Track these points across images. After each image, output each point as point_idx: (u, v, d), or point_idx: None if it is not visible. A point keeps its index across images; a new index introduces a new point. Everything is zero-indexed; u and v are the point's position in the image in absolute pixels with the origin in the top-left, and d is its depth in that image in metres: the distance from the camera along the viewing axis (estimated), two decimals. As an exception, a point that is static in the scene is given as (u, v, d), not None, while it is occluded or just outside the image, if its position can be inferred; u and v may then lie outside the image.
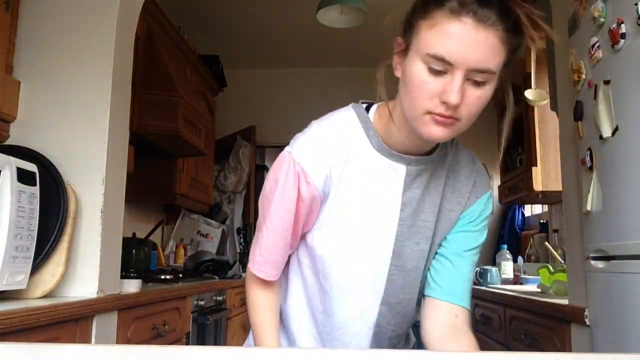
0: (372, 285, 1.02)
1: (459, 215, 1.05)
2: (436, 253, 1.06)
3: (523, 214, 4.22)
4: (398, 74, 0.92)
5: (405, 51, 0.89)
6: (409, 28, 0.88)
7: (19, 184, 1.35)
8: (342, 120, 1.00)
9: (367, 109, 1.02)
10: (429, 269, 1.06)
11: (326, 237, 1.00)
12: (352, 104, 1.03)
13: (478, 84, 0.84)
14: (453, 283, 1.05)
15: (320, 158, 0.97)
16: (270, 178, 1.03)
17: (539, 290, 2.33)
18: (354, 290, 1.02)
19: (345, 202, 0.98)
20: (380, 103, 1.01)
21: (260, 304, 1.06)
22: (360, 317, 1.04)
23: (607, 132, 1.37)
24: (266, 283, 1.06)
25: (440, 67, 0.82)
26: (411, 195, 0.99)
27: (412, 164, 0.97)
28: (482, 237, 1.08)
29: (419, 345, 1.13)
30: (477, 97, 0.85)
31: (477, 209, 1.06)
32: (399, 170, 0.97)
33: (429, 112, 0.85)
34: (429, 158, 0.99)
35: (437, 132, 0.86)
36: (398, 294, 1.04)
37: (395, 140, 0.97)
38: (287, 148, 1.01)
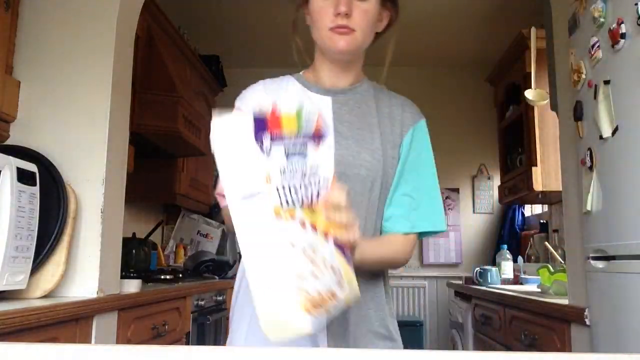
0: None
1: (400, 140, 1.12)
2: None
3: (523, 214, 4.22)
4: (308, 21, 1.16)
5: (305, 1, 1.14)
6: None
7: (19, 184, 1.35)
8: (278, 77, 1.22)
9: None
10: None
11: None
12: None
13: None
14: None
15: (249, 98, 1.18)
16: None
17: (539, 290, 2.33)
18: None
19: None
20: None
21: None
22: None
23: (607, 132, 1.37)
24: None
25: None
26: (343, 118, 1.11)
27: (337, 95, 1.13)
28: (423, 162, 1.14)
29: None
30: (364, 9, 1.07)
31: (414, 139, 1.14)
32: (326, 101, 1.12)
33: (330, 29, 1.07)
34: (352, 89, 1.15)
35: (340, 42, 1.07)
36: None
37: (321, 77, 1.15)
38: None
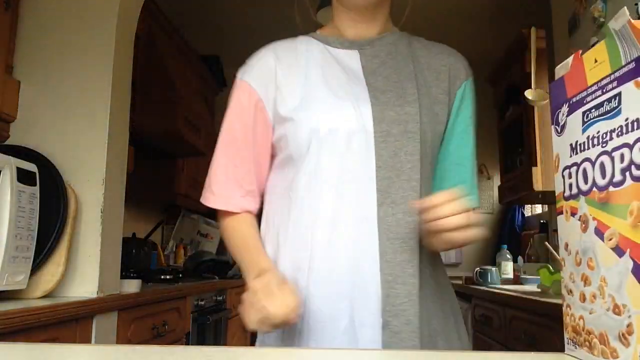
0: (360, 165, 0.90)
1: (447, 96, 0.99)
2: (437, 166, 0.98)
3: (523, 214, 4.22)
4: None
5: None
6: None
7: (19, 184, 1.35)
8: (289, 40, 1.06)
9: None
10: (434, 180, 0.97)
11: (305, 123, 0.92)
12: None
13: None
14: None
15: (259, 65, 1.01)
16: None
17: (539, 290, 2.33)
18: (344, 175, 0.89)
19: (309, 89, 0.95)
20: None
21: (231, 231, 1.02)
22: (360, 218, 0.88)
23: (607, 132, 1.36)
24: (230, 214, 1.02)
25: None
26: (376, 72, 0.97)
27: (364, 47, 1.00)
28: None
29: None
30: None
31: (466, 95, 1.02)
32: (352, 55, 0.99)
33: None
34: (381, 39, 1.01)
35: None
36: (393, 162, 0.89)
37: (343, 31, 1.02)
38: None
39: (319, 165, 0.90)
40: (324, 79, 0.95)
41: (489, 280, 3.04)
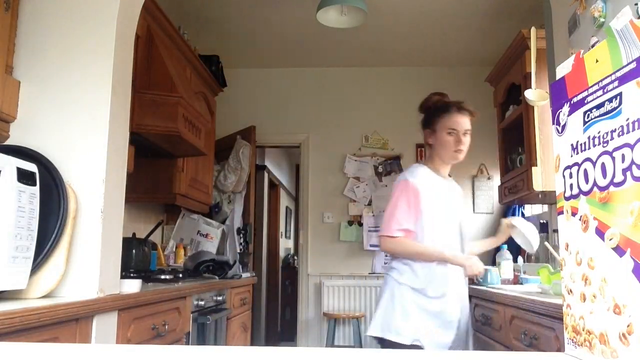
0: (455, 239, 2.21)
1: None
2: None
3: (523, 214, 4.22)
4: (430, 141, 2.26)
5: (433, 132, 2.25)
6: (429, 123, 2.28)
7: (19, 184, 1.35)
8: (419, 167, 2.28)
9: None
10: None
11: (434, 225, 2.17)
12: (415, 164, 2.33)
13: (465, 134, 2.21)
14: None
15: (420, 181, 2.19)
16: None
17: (539, 290, 2.33)
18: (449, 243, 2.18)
19: (436, 203, 2.18)
20: (420, 162, 2.34)
21: (410, 242, 2.13)
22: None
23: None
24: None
25: (453, 131, 2.21)
26: (454, 194, 2.28)
27: (448, 181, 2.25)
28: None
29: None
30: (467, 140, 2.21)
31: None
32: (448, 184, 2.24)
33: (454, 151, 2.20)
34: (450, 179, 2.31)
35: (459, 157, 2.22)
36: (459, 242, 2.23)
37: (439, 170, 2.26)
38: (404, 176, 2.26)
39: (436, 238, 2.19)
40: (441, 202, 2.21)
41: (489, 280, 3.04)
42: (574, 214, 0.58)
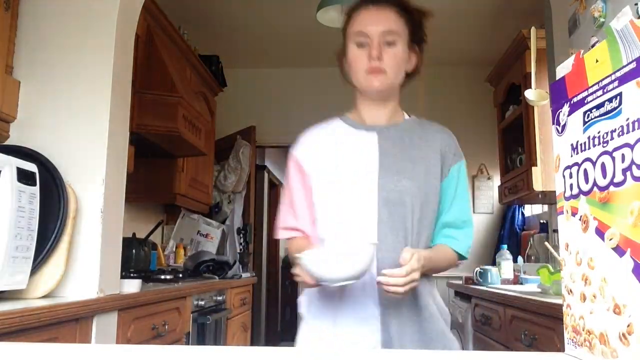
0: (364, 220, 1.24)
1: (442, 172, 1.30)
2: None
3: (523, 214, 4.22)
4: (346, 68, 1.32)
5: (343, 51, 1.33)
6: (343, 38, 1.33)
7: (19, 184, 1.35)
8: (326, 122, 1.39)
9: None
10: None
11: (331, 189, 1.29)
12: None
13: (389, 44, 1.25)
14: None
15: (306, 144, 1.36)
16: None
17: (539, 290, 2.33)
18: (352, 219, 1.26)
19: (342, 167, 1.30)
20: None
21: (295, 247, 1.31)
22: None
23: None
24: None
25: (362, 39, 1.25)
26: (387, 151, 1.28)
27: (382, 131, 1.30)
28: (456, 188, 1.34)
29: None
30: (393, 53, 1.25)
31: (454, 176, 1.32)
32: (371, 137, 1.30)
33: (366, 72, 1.25)
34: (395, 125, 1.32)
35: (373, 81, 1.25)
36: (389, 221, 1.24)
37: (363, 116, 1.33)
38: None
39: (340, 219, 1.28)
40: (341, 161, 1.29)
41: (489, 280, 3.04)
42: (574, 214, 0.58)
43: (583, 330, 0.56)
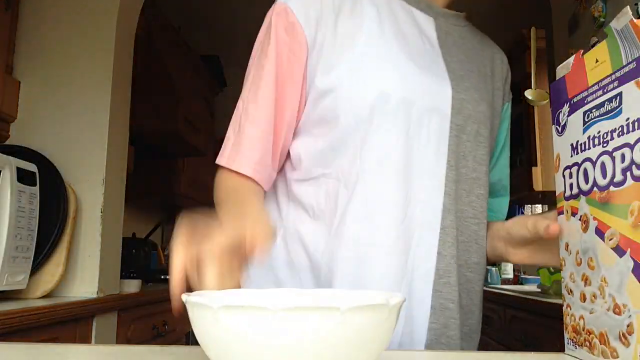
0: (432, 153, 0.74)
1: (501, 105, 0.88)
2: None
3: (523, 214, 4.21)
4: None
5: None
6: None
7: (19, 184, 1.35)
8: None
9: None
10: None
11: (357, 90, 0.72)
12: None
13: None
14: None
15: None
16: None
17: (539, 290, 2.33)
18: (412, 166, 0.73)
19: (371, 46, 0.74)
20: None
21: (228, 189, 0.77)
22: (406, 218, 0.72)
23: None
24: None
25: None
26: (451, 52, 0.80)
27: (439, 17, 0.83)
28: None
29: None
30: None
31: (507, 116, 0.91)
32: (427, 23, 0.81)
33: None
34: (456, 16, 0.86)
35: None
36: (460, 166, 0.76)
37: None
38: None
39: (383, 148, 0.72)
40: (396, 35, 0.76)
41: (489, 280, 3.04)
42: (574, 214, 0.58)
43: (583, 330, 0.56)
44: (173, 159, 3.29)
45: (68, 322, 1.47)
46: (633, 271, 0.47)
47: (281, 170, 0.82)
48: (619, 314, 0.49)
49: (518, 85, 3.32)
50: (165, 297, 2.43)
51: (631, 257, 0.48)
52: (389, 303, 0.42)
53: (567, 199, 0.59)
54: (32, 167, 1.44)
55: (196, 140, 3.05)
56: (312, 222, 0.75)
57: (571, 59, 0.60)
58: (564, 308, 0.61)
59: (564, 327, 0.61)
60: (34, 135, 1.70)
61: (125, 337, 1.79)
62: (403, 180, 0.72)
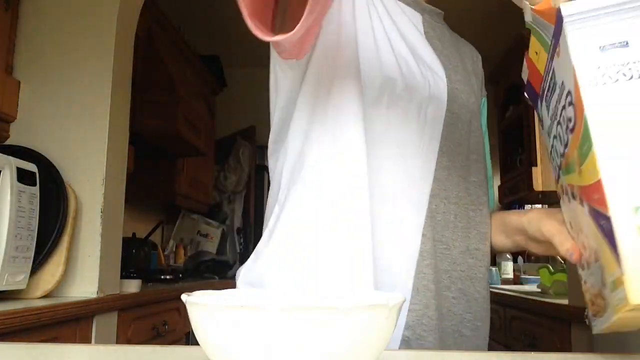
0: (428, 138, 0.75)
1: (478, 103, 0.88)
2: None
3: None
4: None
5: None
6: None
7: (19, 184, 1.35)
8: None
9: None
10: None
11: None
12: None
13: None
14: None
15: None
16: None
17: (539, 290, 2.33)
18: (406, 149, 0.74)
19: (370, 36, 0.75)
20: None
21: None
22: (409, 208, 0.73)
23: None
24: None
25: None
26: (436, 46, 0.82)
27: (425, 14, 0.85)
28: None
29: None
30: None
31: (482, 112, 0.91)
32: (415, 18, 0.83)
33: None
34: (438, 14, 0.88)
35: None
36: (454, 153, 0.77)
37: None
38: None
39: (388, 129, 0.73)
40: (392, 28, 0.78)
41: (489, 280, 3.04)
42: (565, 193, 0.59)
43: (591, 295, 0.56)
44: (173, 159, 3.29)
45: (68, 322, 1.47)
46: (590, 214, 0.48)
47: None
48: (603, 267, 0.49)
49: (518, 85, 3.32)
50: (165, 297, 2.43)
51: (585, 201, 0.49)
52: (389, 303, 0.42)
53: (556, 181, 0.61)
54: (32, 167, 1.44)
55: (196, 140, 3.06)
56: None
57: (525, 63, 0.64)
58: (582, 286, 0.60)
59: (588, 306, 0.59)
60: (34, 135, 1.70)
61: (125, 337, 1.79)
62: (402, 162, 0.74)
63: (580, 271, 0.59)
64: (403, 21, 0.80)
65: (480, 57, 0.97)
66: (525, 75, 0.65)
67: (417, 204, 0.74)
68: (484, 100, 0.94)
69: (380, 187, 0.72)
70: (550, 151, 0.61)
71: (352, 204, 0.70)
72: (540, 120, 0.64)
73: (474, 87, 0.86)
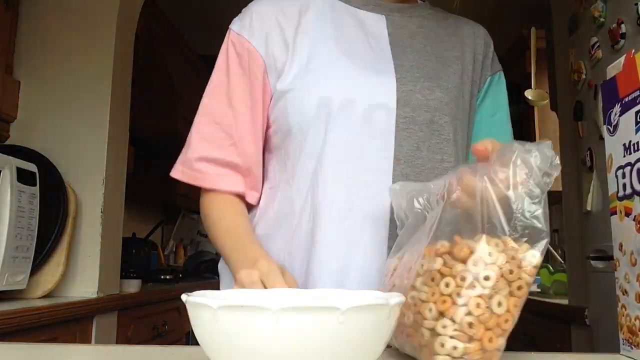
0: (376, 149, 0.75)
1: (480, 82, 0.88)
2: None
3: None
4: None
5: None
6: None
7: (19, 184, 1.35)
8: None
9: None
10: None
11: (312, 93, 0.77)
12: None
13: None
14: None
15: (260, 19, 0.87)
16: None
17: (539, 290, 2.33)
18: (357, 165, 0.75)
19: (322, 57, 0.79)
20: None
21: (220, 213, 0.92)
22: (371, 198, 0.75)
23: (607, 132, 1.36)
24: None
25: None
26: (404, 43, 0.82)
27: (393, 13, 0.85)
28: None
29: None
30: None
31: (492, 90, 0.89)
32: (378, 21, 0.84)
33: None
34: (410, 8, 0.87)
35: None
36: (413, 157, 0.76)
37: None
38: None
39: (326, 148, 0.76)
40: (338, 41, 0.80)
41: (489, 280, 3.04)
42: (627, 214, 0.57)
43: (639, 330, 0.56)
44: (173, 159, 3.29)
45: (68, 322, 1.47)
46: None
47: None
48: None
49: (518, 85, 3.32)
50: (165, 297, 2.43)
51: None
52: (389, 303, 0.42)
53: (620, 199, 0.59)
54: (32, 167, 1.44)
55: (196, 140, 3.05)
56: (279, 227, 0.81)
57: (622, 59, 0.60)
58: (618, 309, 0.60)
59: (619, 328, 0.60)
60: (34, 135, 1.70)
61: (125, 337, 1.79)
62: (347, 178, 0.75)
63: (621, 296, 0.59)
64: (358, 32, 0.82)
65: (482, 33, 0.95)
66: (614, 71, 0.61)
67: (377, 218, 0.74)
68: (492, 78, 0.90)
69: (335, 204, 0.75)
70: (625, 165, 0.57)
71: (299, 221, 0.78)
72: (609, 123, 0.61)
73: (450, 76, 0.83)
